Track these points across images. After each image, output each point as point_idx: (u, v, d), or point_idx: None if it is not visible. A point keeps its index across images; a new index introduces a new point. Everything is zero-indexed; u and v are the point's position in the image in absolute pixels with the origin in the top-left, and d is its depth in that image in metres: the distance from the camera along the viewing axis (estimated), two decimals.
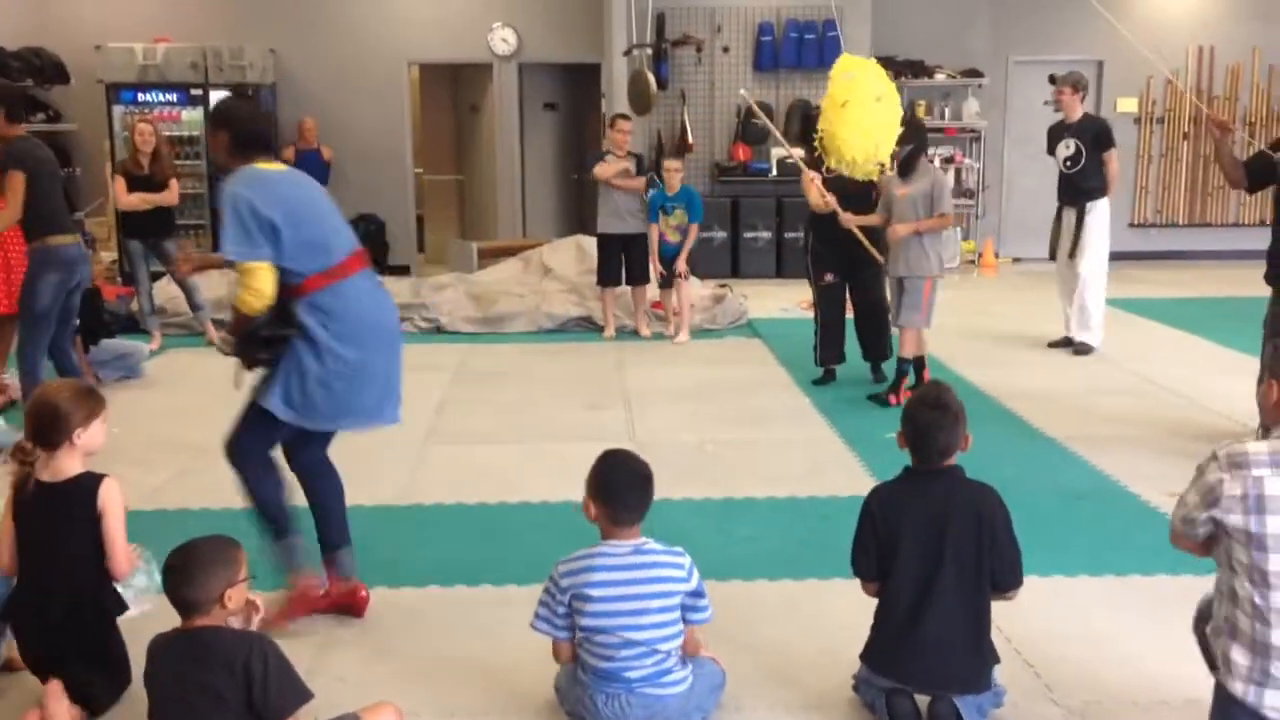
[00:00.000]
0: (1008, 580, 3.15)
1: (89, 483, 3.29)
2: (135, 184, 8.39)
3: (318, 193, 3.93)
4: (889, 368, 7.10)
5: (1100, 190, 8.06)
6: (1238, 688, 2.68)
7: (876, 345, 7.23)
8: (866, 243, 6.79)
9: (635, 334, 9.01)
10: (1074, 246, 8.11)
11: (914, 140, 6.63)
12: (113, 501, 3.29)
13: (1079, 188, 8.07)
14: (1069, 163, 8.07)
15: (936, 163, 12.91)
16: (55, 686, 3.20)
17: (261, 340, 3.80)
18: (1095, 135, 8.01)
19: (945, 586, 3.08)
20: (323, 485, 4.11)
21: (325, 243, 3.78)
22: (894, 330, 6.95)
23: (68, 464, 3.30)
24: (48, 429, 3.26)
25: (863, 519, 3.25)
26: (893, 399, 6.60)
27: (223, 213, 3.67)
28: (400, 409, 4.08)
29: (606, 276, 8.94)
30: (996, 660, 3.20)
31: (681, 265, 8.68)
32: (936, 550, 3.09)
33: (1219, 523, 2.71)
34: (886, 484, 3.33)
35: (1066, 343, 8.29)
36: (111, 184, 8.56)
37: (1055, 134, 8.22)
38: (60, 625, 3.24)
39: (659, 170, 8.98)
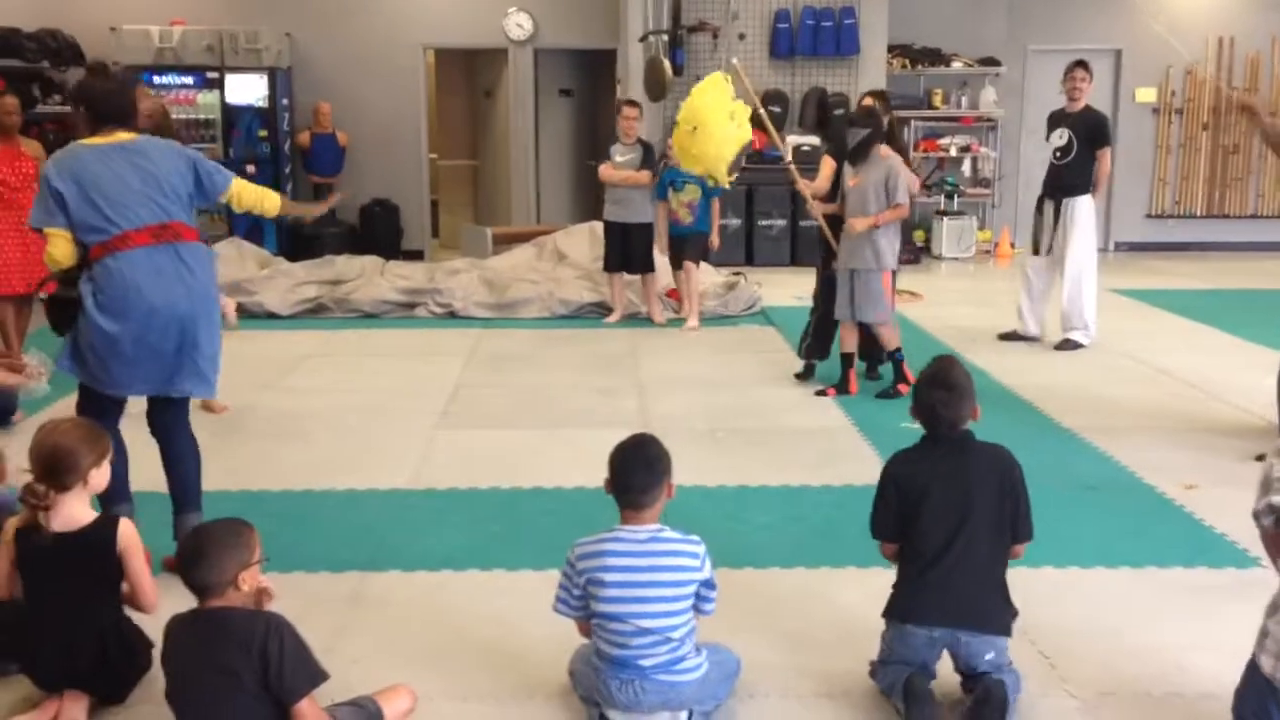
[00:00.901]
0: (1024, 531, 3.27)
1: (107, 527, 3.23)
2: None
3: (129, 168, 3.99)
4: (884, 368, 7.04)
5: (1084, 187, 7.83)
6: (1266, 664, 2.73)
7: (873, 342, 6.98)
8: (829, 234, 6.63)
9: (649, 320, 9.00)
10: (1051, 243, 7.94)
11: (869, 126, 6.42)
12: (132, 542, 3.24)
13: (1063, 181, 7.88)
14: (1059, 153, 7.88)
15: (953, 151, 12.94)
16: (75, 695, 3.19)
17: (51, 303, 4.07)
18: (1090, 129, 7.78)
19: (971, 535, 3.19)
20: (174, 451, 4.22)
21: (104, 215, 3.92)
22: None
23: (78, 507, 3.23)
24: (62, 470, 3.18)
25: (884, 483, 3.34)
26: (902, 388, 6.53)
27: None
28: (191, 382, 4.15)
29: (610, 263, 8.99)
30: (1015, 612, 3.26)
31: (715, 240, 8.68)
32: (964, 504, 3.20)
33: (1275, 507, 2.78)
34: (906, 450, 3.39)
35: (1015, 335, 8.16)
36: None
37: (1054, 121, 8.03)
38: (86, 671, 3.18)
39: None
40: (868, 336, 6.94)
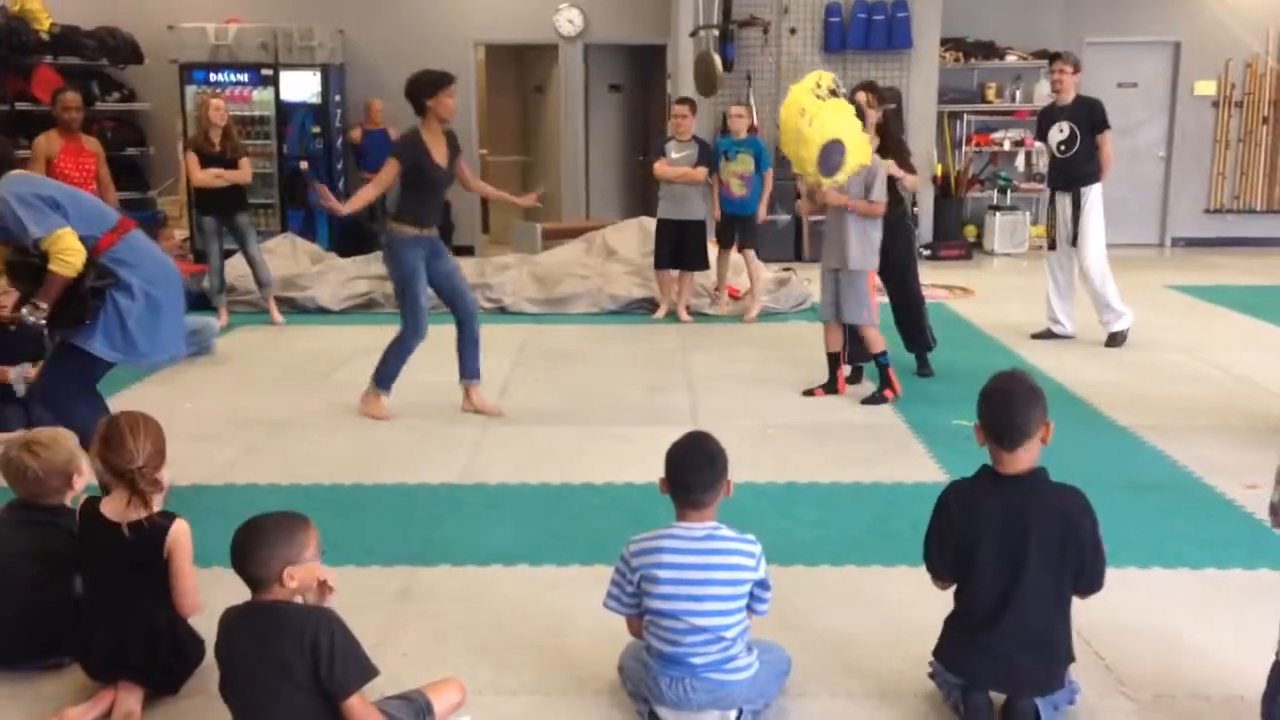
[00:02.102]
0: (1086, 584, 3.06)
1: (161, 523, 3.26)
2: (208, 161, 8.40)
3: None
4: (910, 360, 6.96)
5: (1095, 175, 7.77)
6: None
7: (917, 337, 6.97)
8: (809, 233, 6.45)
9: (701, 315, 8.98)
10: (1075, 235, 7.84)
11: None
12: (180, 545, 3.25)
13: (1073, 173, 7.79)
14: (1062, 147, 7.79)
15: (1006, 145, 12.79)
16: (129, 685, 3.23)
17: (90, 292, 4.39)
18: (1090, 117, 7.71)
19: (1025, 595, 2.99)
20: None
21: (100, 208, 4.61)
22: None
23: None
24: (161, 456, 3.31)
25: (939, 515, 3.15)
26: (888, 394, 6.40)
27: (7, 214, 4.30)
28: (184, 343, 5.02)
29: (661, 261, 8.95)
30: (1072, 659, 3.12)
31: (762, 212, 8.64)
32: (1019, 559, 2.99)
33: None
34: (965, 482, 3.19)
35: (1049, 334, 8.05)
36: (183, 161, 8.64)
37: (1047, 117, 7.97)
38: (137, 661, 3.23)
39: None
40: (914, 327, 6.90)
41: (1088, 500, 3.07)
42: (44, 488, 3.47)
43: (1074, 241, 7.87)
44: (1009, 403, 3.07)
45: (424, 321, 5.99)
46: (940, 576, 3.20)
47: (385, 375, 6.13)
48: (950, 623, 3.18)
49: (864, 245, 6.24)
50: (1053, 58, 7.92)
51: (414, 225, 5.90)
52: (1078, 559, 3.01)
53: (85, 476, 3.56)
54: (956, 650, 3.14)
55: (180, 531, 3.26)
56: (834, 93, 6.02)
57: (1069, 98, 7.81)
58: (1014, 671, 3.04)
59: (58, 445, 3.52)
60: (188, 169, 8.59)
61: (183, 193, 12.22)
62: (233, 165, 8.44)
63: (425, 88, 5.90)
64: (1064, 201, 7.91)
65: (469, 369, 6.21)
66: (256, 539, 2.83)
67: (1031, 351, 7.60)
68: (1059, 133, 7.80)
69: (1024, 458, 3.07)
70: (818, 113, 5.87)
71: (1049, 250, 8.13)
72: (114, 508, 3.26)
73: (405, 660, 3.46)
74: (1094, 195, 7.80)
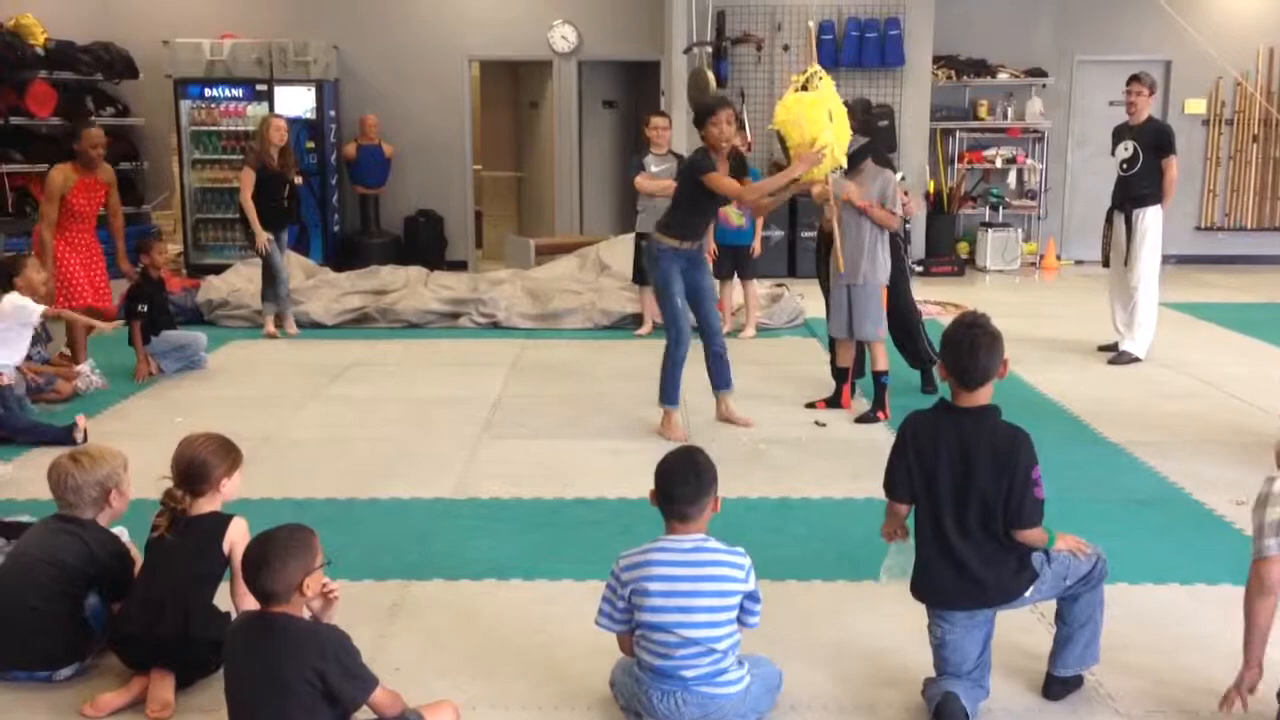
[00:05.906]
0: (1017, 521, 3.17)
1: (221, 520, 3.43)
2: (265, 178, 8.61)
3: None
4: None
5: (1152, 197, 7.79)
6: None
7: (917, 350, 6.95)
8: (840, 249, 6.38)
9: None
10: (1127, 254, 7.91)
11: (864, 135, 6.25)
12: (240, 542, 3.36)
13: (1130, 192, 7.85)
14: (1125, 165, 7.85)
15: (998, 163, 12.85)
16: (162, 673, 3.32)
17: None
18: (1156, 139, 7.75)
19: (971, 522, 3.18)
20: None
21: None
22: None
23: (207, 506, 3.45)
24: (197, 479, 3.42)
25: (898, 443, 3.34)
26: (881, 415, 6.39)
27: None
28: None
29: (641, 276, 8.91)
30: (1035, 575, 3.24)
31: (756, 247, 8.65)
32: (965, 488, 3.17)
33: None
34: (922, 412, 3.37)
35: (1117, 348, 8.08)
36: (240, 177, 8.87)
37: (1118, 135, 8.02)
38: (168, 648, 3.32)
39: None
40: (911, 342, 6.90)
41: (1026, 441, 3.20)
42: (81, 498, 3.58)
43: (1126, 262, 7.89)
44: (972, 349, 3.21)
45: (687, 329, 6.12)
46: (899, 500, 3.35)
47: (670, 393, 6.21)
48: (918, 555, 3.32)
49: (875, 259, 6.29)
50: (1130, 79, 7.91)
51: (675, 239, 6.04)
52: (1010, 496, 3.15)
53: (126, 497, 3.70)
54: (920, 580, 3.30)
55: (240, 528, 3.41)
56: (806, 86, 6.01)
57: (1141, 118, 7.84)
58: (973, 589, 3.20)
59: (102, 460, 3.65)
60: (241, 186, 8.71)
61: (177, 207, 12.26)
62: (290, 182, 8.80)
63: (700, 115, 5.98)
64: (1120, 220, 7.95)
65: (721, 380, 6.36)
66: (275, 551, 2.87)
67: (1023, 367, 7.61)
68: (1124, 151, 7.86)
69: (983, 387, 3.24)
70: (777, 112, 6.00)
71: (1104, 267, 8.21)
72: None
73: (398, 675, 3.45)
74: (1149, 218, 7.81)
